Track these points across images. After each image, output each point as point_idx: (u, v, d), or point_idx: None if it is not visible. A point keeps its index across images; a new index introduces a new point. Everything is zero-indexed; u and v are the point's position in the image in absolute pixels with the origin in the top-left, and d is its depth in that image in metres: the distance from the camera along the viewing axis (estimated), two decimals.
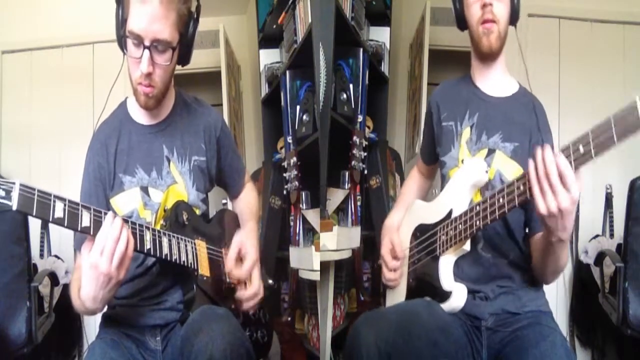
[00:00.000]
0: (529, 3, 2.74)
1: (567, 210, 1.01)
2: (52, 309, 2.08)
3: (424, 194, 1.62)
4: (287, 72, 2.34)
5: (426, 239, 1.33)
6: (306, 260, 2.07)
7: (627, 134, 0.92)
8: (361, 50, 2.27)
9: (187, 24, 1.24)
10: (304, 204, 2.23)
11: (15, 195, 0.91)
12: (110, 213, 1.05)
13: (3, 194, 0.90)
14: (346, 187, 2.16)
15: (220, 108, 2.58)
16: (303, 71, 2.28)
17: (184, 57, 1.27)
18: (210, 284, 1.26)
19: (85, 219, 1.01)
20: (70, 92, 2.80)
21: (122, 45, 1.21)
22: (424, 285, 1.31)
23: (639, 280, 1.79)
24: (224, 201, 2.24)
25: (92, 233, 1.03)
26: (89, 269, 1.04)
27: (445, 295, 1.23)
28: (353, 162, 2.13)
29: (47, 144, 2.81)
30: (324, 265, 1.98)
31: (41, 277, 1.95)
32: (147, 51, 1.17)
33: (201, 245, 1.28)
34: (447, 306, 1.21)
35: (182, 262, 1.20)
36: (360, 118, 2.24)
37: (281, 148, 2.58)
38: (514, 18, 1.35)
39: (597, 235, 2.44)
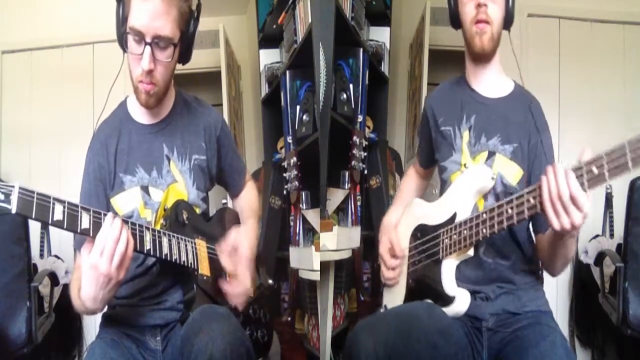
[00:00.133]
0: (529, 3, 2.75)
1: (579, 225, 1.04)
2: (52, 309, 2.08)
3: (422, 192, 1.62)
4: (287, 72, 2.34)
5: (428, 241, 1.32)
6: (306, 260, 2.07)
7: None
8: (361, 50, 2.26)
9: (188, 21, 1.25)
10: (304, 204, 2.23)
11: (14, 198, 0.91)
12: (110, 214, 1.05)
13: (2, 197, 0.90)
14: (346, 187, 2.16)
15: (220, 108, 2.58)
16: (303, 71, 2.28)
17: (184, 55, 1.27)
18: (210, 283, 1.26)
19: (85, 221, 1.01)
20: (70, 92, 2.80)
21: (123, 43, 1.21)
22: (425, 287, 1.30)
23: (639, 280, 1.79)
24: (224, 200, 2.23)
25: (91, 235, 1.03)
26: (89, 270, 1.04)
27: (448, 300, 1.23)
28: (353, 162, 2.13)
29: (47, 144, 2.81)
30: (324, 265, 1.98)
31: (41, 277, 1.96)
32: (148, 47, 1.17)
33: (201, 245, 1.28)
34: (450, 311, 1.21)
35: (182, 262, 1.20)
36: (360, 118, 2.24)
37: (281, 148, 2.58)
38: (508, 21, 1.34)
39: (597, 235, 2.45)
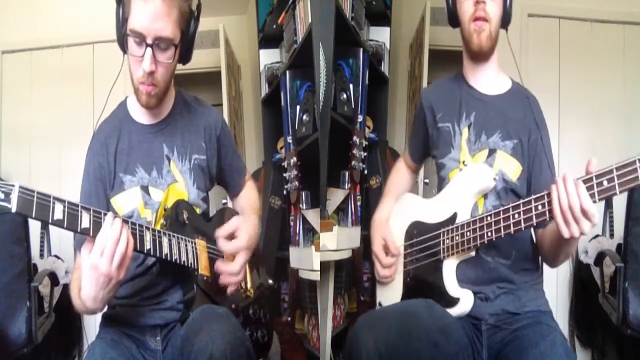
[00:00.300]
0: (529, 3, 2.75)
1: (587, 232, 1.06)
2: (52, 309, 2.08)
3: (411, 187, 1.61)
4: (287, 72, 2.34)
5: (427, 240, 1.32)
6: (306, 260, 2.07)
7: None
8: (361, 50, 2.26)
9: (188, 21, 1.24)
10: (304, 204, 2.23)
11: (14, 197, 0.90)
12: (110, 214, 1.05)
13: (2, 196, 0.89)
14: (346, 187, 2.16)
15: (220, 108, 2.58)
16: (303, 71, 2.28)
17: (185, 55, 1.27)
18: (210, 283, 1.26)
19: (85, 220, 1.01)
20: (70, 92, 2.80)
21: (123, 45, 1.21)
22: (425, 286, 1.30)
23: (639, 280, 1.79)
24: (224, 200, 2.23)
25: (91, 234, 1.03)
26: (89, 270, 1.04)
27: (451, 302, 1.23)
28: (353, 162, 2.13)
29: (47, 144, 2.81)
30: (324, 265, 1.98)
31: (41, 277, 1.96)
32: (149, 49, 1.17)
33: (201, 245, 1.28)
34: (453, 312, 1.21)
35: (182, 262, 1.20)
36: (360, 118, 2.23)
37: (281, 148, 2.58)
38: (505, 20, 1.34)
39: (597, 235, 2.44)
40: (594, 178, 1.03)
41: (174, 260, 1.18)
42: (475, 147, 1.34)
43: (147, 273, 1.29)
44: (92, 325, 2.52)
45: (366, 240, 2.28)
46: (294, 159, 2.24)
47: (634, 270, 1.80)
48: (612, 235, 2.40)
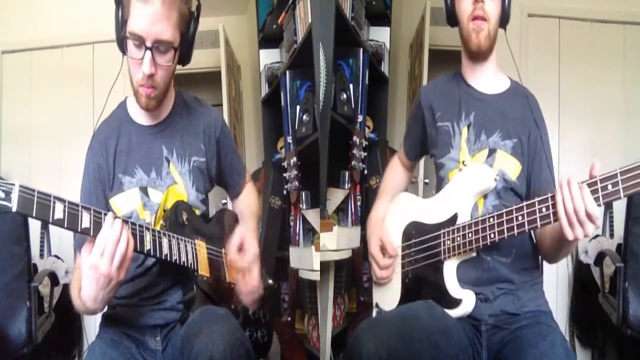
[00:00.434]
0: (529, 3, 2.75)
1: (591, 234, 1.07)
2: (52, 309, 2.08)
3: (406, 185, 1.61)
4: (287, 72, 2.34)
5: (426, 241, 1.32)
6: (306, 260, 2.07)
7: None
8: (361, 50, 2.26)
9: (188, 23, 1.24)
10: (304, 204, 2.23)
11: (14, 196, 0.90)
12: (110, 214, 1.05)
13: (3, 195, 0.89)
14: (346, 187, 2.16)
15: (220, 108, 2.58)
16: (303, 71, 2.28)
17: (184, 57, 1.27)
18: (210, 284, 1.26)
19: (85, 220, 1.01)
20: (70, 92, 2.81)
21: (122, 47, 1.21)
22: (425, 287, 1.30)
23: (639, 280, 1.79)
24: (223, 201, 2.24)
25: (92, 234, 1.02)
26: (89, 270, 1.04)
27: (453, 303, 1.23)
28: (353, 162, 2.13)
29: (47, 144, 2.81)
30: (324, 265, 1.98)
31: (41, 277, 1.96)
32: (148, 52, 1.16)
33: (201, 246, 1.28)
34: (455, 312, 1.21)
35: (182, 263, 1.20)
36: (360, 118, 2.23)
37: (281, 148, 2.58)
38: (504, 19, 1.34)
39: (597, 235, 2.44)
40: (598, 182, 1.03)
41: (173, 260, 1.18)
42: (475, 146, 1.33)
43: (147, 273, 1.29)
44: (92, 325, 2.52)
45: (366, 240, 2.29)
46: (294, 159, 2.24)
47: (634, 270, 1.80)
48: (612, 235, 2.40)
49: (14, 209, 0.90)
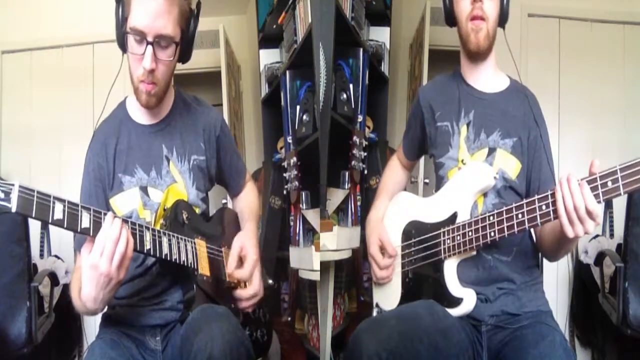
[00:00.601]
0: (529, 3, 2.75)
1: (591, 232, 1.07)
2: (52, 309, 2.08)
3: (405, 185, 1.61)
4: (287, 72, 2.34)
5: (426, 240, 1.32)
6: (306, 260, 2.07)
7: None
8: (361, 50, 2.26)
9: (188, 20, 1.25)
10: (304, 204, 2.23)
11: (14, 197, 0.90)
12: (110, 213, 1.05)
13: (2, 195, 0.89)
14: (346, 187, 2.16)
15: (220, 108, 2.58)
16: (303, 71, 2.28)
17: (184, 54, 1.27)
18: (210, 283, 1.26)
19: (85, 220, 1.01)
20: (70, 92, 2.80)
21: (123, 44, 1.21)
22: (425, 287, 1.30)
23: (639, 280, 1.79)
24: (224, 200, 2.23)
25: (91, 234, 1.03)
26: (89, 270, 1.04)
27: (454, 302, 1.23)
28: (353, 162, 2.13)
29: (47, 144, 2.81)
30: (324, 265, 1.98)
31: (41, 277, 1.95)
32: (150, 47, 1.17)
33: (201, 245, 1.28)
34: (456, 311, 1.21)
35: (182, 262, 1.20)
36: (360, 118, 2.23)
37: (281, 148, 2.58)
38: (503, 19, 1.35)
39: (597, 235, 2.44)
40: (598, 179, 1.03)
41: (173, 260, 1.18)
42: (475, 145, 1.33)
43: (146, 273, 1.29)
44: (92, 325, 2.52)
45: (366, 240, 2.29)
46: (294, 159, 2.24)
47: (634, 270, 1.80)
48: (612, 235, 2.40)
49: (14, 210, 0.90)
